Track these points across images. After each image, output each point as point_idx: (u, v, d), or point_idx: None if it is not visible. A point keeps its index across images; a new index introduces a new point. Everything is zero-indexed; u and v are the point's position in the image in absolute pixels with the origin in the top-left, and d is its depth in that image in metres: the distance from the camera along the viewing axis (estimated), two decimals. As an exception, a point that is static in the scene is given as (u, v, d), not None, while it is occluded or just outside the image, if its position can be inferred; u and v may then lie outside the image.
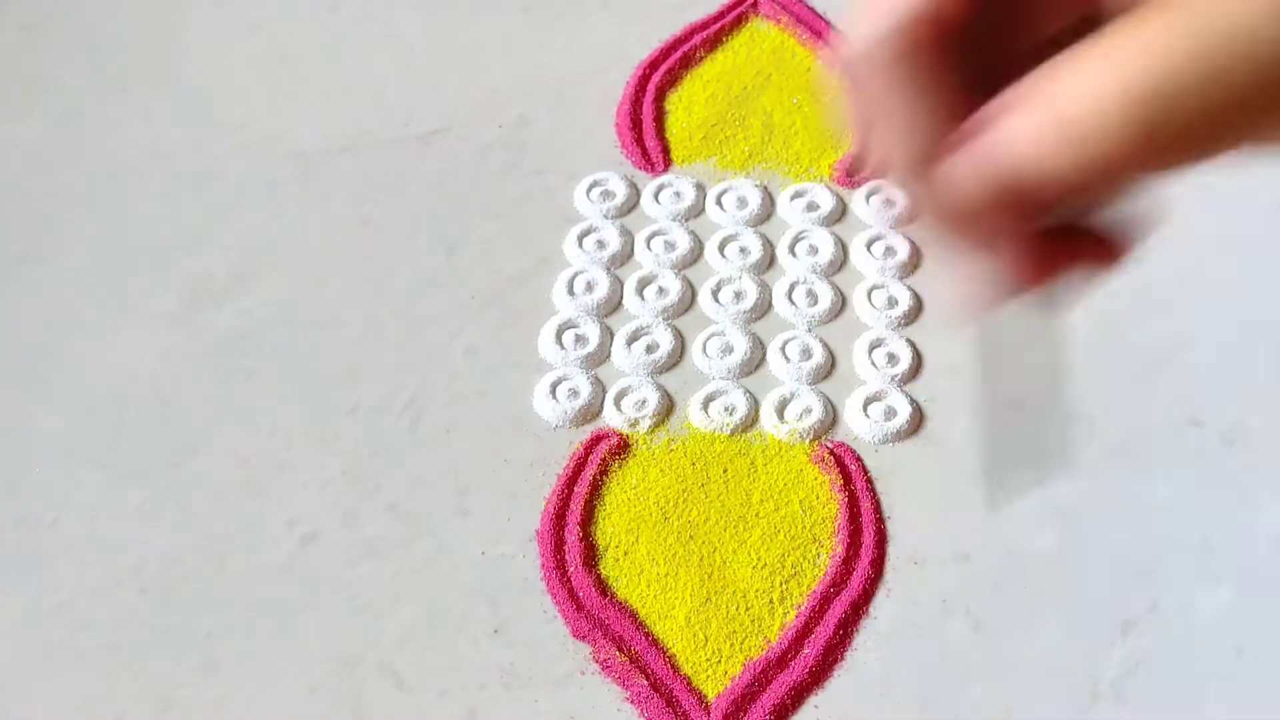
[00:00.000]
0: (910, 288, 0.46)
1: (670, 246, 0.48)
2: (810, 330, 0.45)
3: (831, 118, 0.50)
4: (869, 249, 0.47)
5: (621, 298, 0.47)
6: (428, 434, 0.43)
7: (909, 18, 0.21)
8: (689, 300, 0.46)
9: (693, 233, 0.48)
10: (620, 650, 0.38)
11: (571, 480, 0.41)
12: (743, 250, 0.47)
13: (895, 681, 0.37)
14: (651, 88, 0.53)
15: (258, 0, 0.58)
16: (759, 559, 0.40)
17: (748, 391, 0.43)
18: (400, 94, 0.54)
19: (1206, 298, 0.45)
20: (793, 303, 0.46)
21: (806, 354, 0.44)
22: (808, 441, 0.42)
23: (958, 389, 0.43)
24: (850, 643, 0.38)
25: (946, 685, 0.37)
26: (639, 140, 0.51)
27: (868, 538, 0.40)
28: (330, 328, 0.46)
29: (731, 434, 0.43)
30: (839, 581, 0.39)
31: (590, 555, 0.40)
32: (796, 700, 0.37)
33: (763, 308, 0.46)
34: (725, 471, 0.42)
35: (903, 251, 0.47)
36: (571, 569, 0.39)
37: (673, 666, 0.38)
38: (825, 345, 0.45)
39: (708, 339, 0.45)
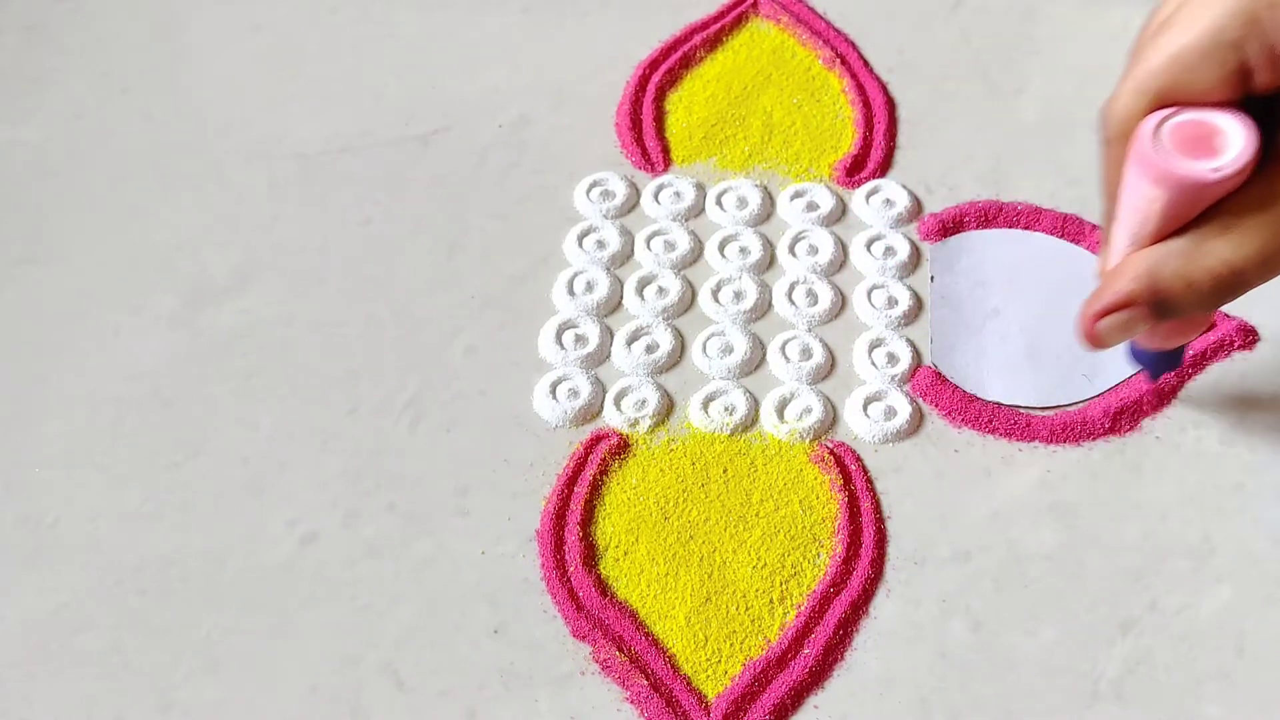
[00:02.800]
0: (910, 288, 0.46)
1: (670, 246, 0.48)
2: (810, 330, 0.45)
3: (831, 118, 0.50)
4: (869, 249, 0.47)
5: (621, 298, 0.47)
6: (428, 434, 0.43)
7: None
8: (689, 300, 0.46)
9: (693, 233, 0.48)
10: (620, 650, 0.38)
11: (571, 480, 0.41)
12: (743, 250, 0.47)
13: (895, 681, 0.37)
14: (651, 88, 0.53)
15: (258, 1, 0.58)
16: (759, 559, 0.40)
17: (748, 391, 0.43)
18: (400, 94, 0.54)
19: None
20: (793, 303, 0.46)
21: (806, 354, 0.44)
22: (808, 441, 0.42)
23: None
24: (850, 643, 0.38)
25: (946, 685, 0.37)
26: (639, 140, 0.51)
27: (868, 538, 0.40)
28: (330, 328, 0.46)
29: (731, 434, 0.43)
30: (839, 581, 0.39)
31: (590, 555, 0.40)
32: (796, 700, 0.37)
33: (763, 308, 0.46)
34: (725, 471, 0.42)
35: (903, 251, 0.47)
36: (571, 569, 0.39)
37: (673, 666, 0.38)
38: (825, 345, 0.45)
39: (708, 339, 0.45)
